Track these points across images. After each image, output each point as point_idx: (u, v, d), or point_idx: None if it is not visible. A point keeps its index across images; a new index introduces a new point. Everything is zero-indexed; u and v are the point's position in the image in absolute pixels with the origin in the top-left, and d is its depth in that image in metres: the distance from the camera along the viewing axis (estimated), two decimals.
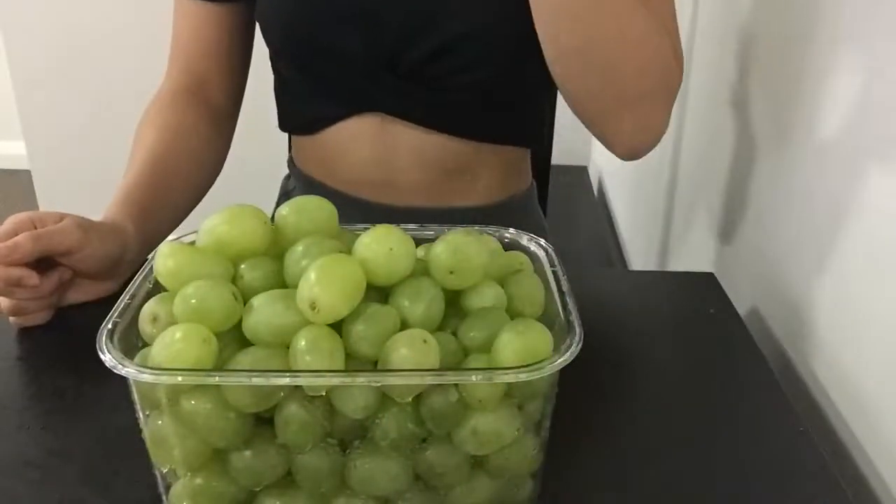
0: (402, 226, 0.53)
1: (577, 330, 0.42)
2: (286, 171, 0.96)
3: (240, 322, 0.42)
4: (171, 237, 0.48)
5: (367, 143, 0.79)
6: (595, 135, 0.69)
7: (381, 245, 0.43)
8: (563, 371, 0.40)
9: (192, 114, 0.82)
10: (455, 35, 0.71)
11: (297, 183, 0.89)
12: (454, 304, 0.46)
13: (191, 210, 0.81)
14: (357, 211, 0.82)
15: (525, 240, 0.52)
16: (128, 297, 0.44)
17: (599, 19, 0.61)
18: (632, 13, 0.62)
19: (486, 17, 0.66)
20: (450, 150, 0.79)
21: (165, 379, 0.39)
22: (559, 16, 0.62)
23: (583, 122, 0.69)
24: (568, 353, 0.40)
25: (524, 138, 0.85)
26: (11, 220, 0.63)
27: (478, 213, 0.83)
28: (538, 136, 0.87)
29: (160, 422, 0.42)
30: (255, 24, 0.84)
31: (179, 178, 0.79)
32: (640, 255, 1.51)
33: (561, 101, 1.10)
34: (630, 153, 0.70)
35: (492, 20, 0.67)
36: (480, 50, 0.71)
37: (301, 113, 0.85)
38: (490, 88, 0.75)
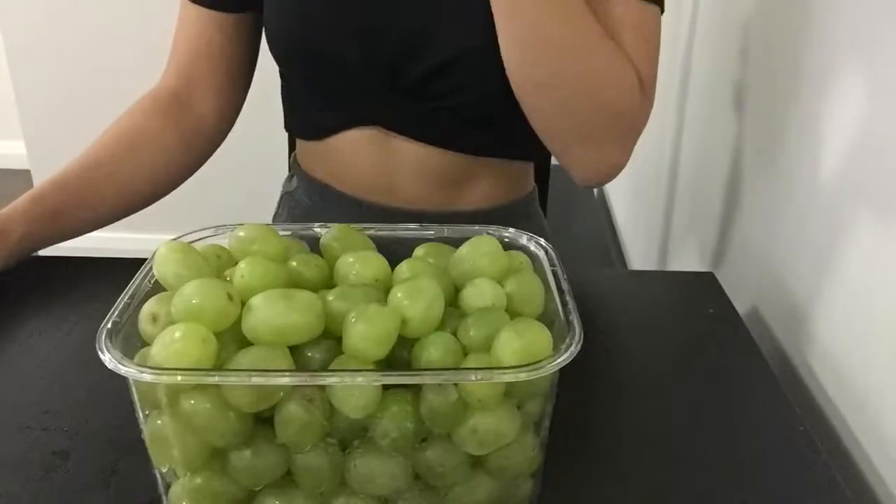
0: (402, 225, 0.54)
1: (577, 330, 0.42)
2: (286, 172, 0.96)
3: (240, 322, 0.42)
4: (170, 237, 0.48)
5: (367, 152, 0.80)
6: (556, 159, 0.72)
7: None
8: (563, 371, 0.40)
9: (164, 122, 0.81)
10: (454, 53, 0.71)
11: (300, 183, 0.90)
12: (454, 304, 0.46)
13: (122, 216, 0.81)
14: (358, 212, 0.82)
15: (525, 240, 0.53)
16: (127, 297, 0.44)
17: (562, 56, 0.63)
18: (596, 51, 0.64)
19: (486, 36, 0.66)
20: (450, 163, 0.79)
21: (165, 379, 0.39)
22: (523, 49, 0.64)
23: (546, 147, 0.72)
24: (567, 353, 0.40)
25: (524, 152, 0.85)
26: None
27: (479, 216, 0.83)
28: (538, 150, 0.87)
29: (160, 421, 0.42)
30: (259, 37, 0.84)
31: (115, 186, 0.79)
32: (640, 255, 1.51)
33: None
34: (585, 182, 0.73)
35: (491, 40, 0.67)
36: (479, 68, 0.71)
37: (304, 119, 0.85)
38: (489, 106, 0.75)
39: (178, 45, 0.83)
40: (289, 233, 0.53)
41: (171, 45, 0.84)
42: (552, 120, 0.68)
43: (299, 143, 0.90)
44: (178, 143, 0.82)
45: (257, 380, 0.39)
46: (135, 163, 0.80)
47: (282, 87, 0.86)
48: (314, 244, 0.52)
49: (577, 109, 0.66)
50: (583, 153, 0.69)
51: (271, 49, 0.79)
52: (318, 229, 0.53)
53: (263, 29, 0.80)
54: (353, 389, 0.40)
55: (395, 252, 0.50)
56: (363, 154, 0.80)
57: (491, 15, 0.64)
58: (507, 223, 0.55)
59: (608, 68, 0.65)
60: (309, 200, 0.88)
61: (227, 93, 0.84)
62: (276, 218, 0.95)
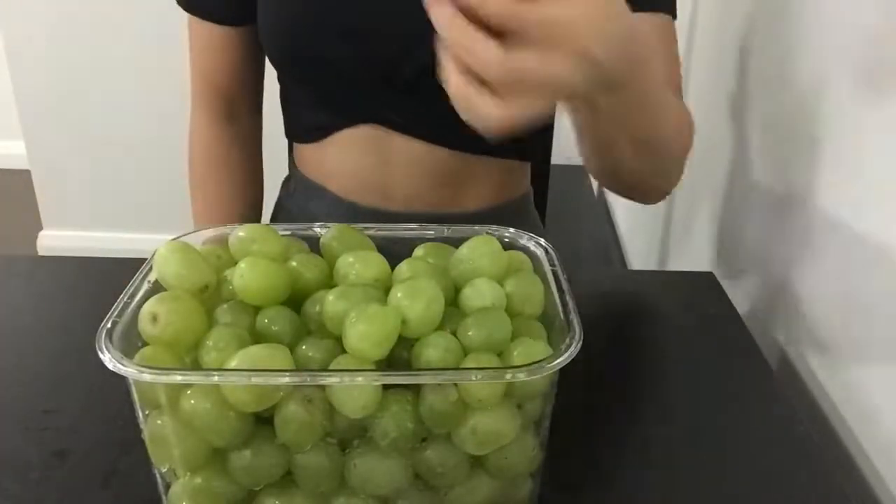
0: (402, 225, 0.54)
1: (577, 330, 0.42)
2: (286, 172, 0.96)
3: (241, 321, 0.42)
4: (170, 237, 0.48)
5: (364, 152, 0.80)
6: (623, 196, 0.74)
7: None
8: (563, 371, 0.40)
9: (233, 147, 0.88)
10: None
11: (298, 186, 0.90)
12: (454, 304, 0.46)
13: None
14: (354, 215, 0.82)
15: (525, 239, 0.53)
16: (127, 297, 0.44)
17: (651, 119, 0.58)
18: (671, 108, 0.64)
19: None
20: (446, 162, 0.79)
21: (165, 378, 0.39)
22: (617, 128, 0.57)
23: (613, 192, 0.73)
24: (567, 353, 0.40)
25: (521, 151, 0.85)
26: None
27: (473, 217, 0.83)
28: (535, 149, 0.87)
29: (160, 421, 0.42)
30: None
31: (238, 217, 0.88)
32: (640, 255, 1.51)
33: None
34: (648, 202, 0.76)
35: None
36: None
37: (301, 121, 0.85)
38: None
39: (205, 72, 0.86)
40: (289, 233, 0.53)
41: (191, 77, 0.87)
42: (638, 178, 0.68)
43: (298, 148, 0.90)
44: (247, 157, 0.91)
45: (257, 380, 0.39)
46: (238, 196, 0.89)
47: (280, 91, 0.87)
48: (314, 244, 0.52)
49: (662, 165, 0.67)
50: (655, 186, 0.72)
51: (267, 51, 0.80)
52: (318, 229, 0.53)
53: (259, 33, 0.80)
54: (353, 389, 0.40)
55: (395, 252, 0.50)
56: (359, 154, 0.80)
57: None
58: (501, 223, 0.55)
59: (680, 120, 0.67)
60: (306, 205, 0.88)
61: (257, 97, 0.91)
62: (274, 221, 0.95)
